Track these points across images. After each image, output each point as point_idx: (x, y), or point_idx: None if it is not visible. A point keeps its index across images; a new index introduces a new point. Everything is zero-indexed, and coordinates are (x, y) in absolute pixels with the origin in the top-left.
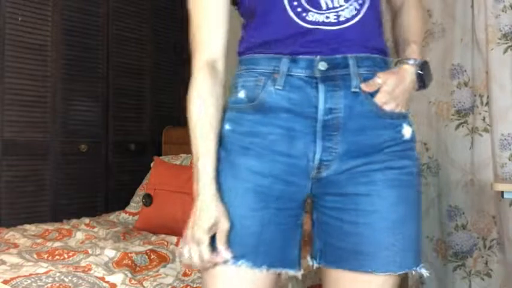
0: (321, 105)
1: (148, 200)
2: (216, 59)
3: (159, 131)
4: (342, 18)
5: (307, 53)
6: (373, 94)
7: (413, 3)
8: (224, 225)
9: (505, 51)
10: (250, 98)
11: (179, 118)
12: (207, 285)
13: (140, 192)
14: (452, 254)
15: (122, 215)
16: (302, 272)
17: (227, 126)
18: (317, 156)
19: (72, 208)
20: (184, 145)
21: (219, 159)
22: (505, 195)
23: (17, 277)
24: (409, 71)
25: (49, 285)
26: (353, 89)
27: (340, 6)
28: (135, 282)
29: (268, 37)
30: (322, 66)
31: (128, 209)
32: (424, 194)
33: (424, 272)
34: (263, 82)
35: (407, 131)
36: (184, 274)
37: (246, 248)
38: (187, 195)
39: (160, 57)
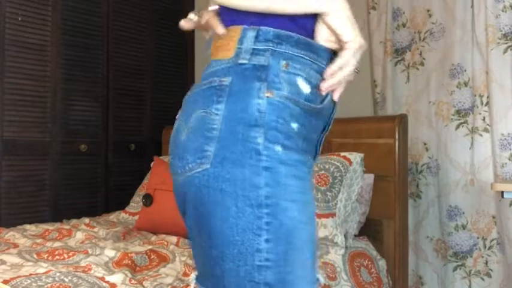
0: (331, 114)
1: (148, 200)
2: None
3: (159, 131)
4: None
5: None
6: None
7: None
8: None
9: (505, 51)
10: (315, 99)
11: None
12: None
13: (140, 192)
14: (452, 254)
15: (122, 215)
16: None
17: (295, 125)
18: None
19: (72, 208)
20: None
21: (296, 162)
22: (505, 195)
23: (17, 277)
24: None
25: (49, 285)
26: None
27: None
28: (135, 282)
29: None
30: None
31: (128, 209)
32: (424, 194)
33: None
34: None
35: None
36: (184, 274)
37: None
38: None
39: (161, 57)
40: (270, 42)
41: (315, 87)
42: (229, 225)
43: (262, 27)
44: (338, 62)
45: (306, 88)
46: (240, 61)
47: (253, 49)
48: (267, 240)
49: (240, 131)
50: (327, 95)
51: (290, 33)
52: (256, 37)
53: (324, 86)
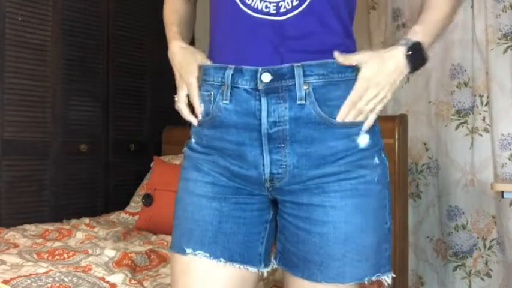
0: (264, 119)
1: (148, 200)
2: None
3: (159, 131)
4: (282, 10)
5: (254, 60)
6: (320, 105)
7: None
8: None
9: (505, 51)
10: (206, 113)
11: (179, 118)
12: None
13: (140, 192)
14: (452, 254)
15: (122, 215)
16: (269, 269)
17: (193, 140)
18: (267, 170)
19: (72, 208)
20: None
21: (186, 159)
22: (505, 195)
23: (17, 277)
24: (396, 55)
25: (49, 285)
26: (298, 102)
27: None
28: (135, 282)
29: (215, 34)
30: (266, 77)
31: (128, 209)
32: (424, 194)
33: (386, 279)
34: (213, 96)
35: (362, 140)
36: None
37: (204, 239)
38: None
39: (160, 57)
40: None
41: (205, 102)
42: None
43: None
44: None
45: (200, 108)
46: None
47: None
48: None
49: None
50: (207, 109)
51: None
52: None
53: None
